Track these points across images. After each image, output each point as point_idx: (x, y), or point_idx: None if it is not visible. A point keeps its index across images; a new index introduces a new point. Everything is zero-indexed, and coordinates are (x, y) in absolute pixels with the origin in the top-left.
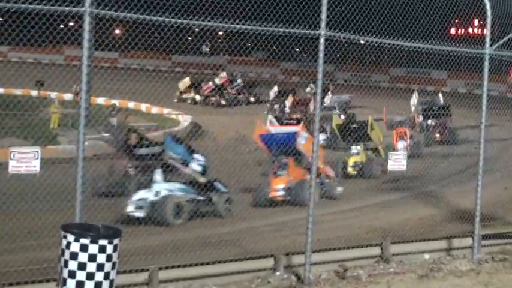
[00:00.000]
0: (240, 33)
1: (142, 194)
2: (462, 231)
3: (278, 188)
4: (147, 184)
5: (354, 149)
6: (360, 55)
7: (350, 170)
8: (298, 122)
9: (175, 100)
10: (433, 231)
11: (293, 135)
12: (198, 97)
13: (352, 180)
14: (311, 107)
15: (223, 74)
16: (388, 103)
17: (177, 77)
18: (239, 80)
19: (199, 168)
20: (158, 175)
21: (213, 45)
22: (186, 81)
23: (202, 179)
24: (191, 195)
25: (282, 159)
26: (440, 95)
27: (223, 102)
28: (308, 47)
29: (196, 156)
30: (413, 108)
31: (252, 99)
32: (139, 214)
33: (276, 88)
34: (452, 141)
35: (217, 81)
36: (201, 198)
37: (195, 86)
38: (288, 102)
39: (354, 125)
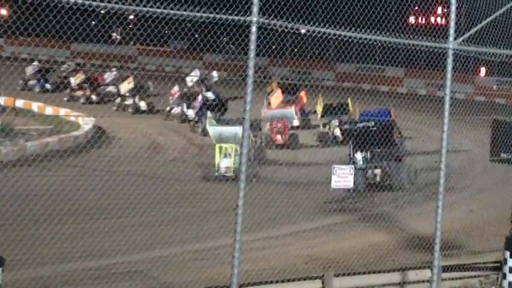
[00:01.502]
0: (154, 18)
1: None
2: (419, 261)
3: None
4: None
5: None
6: (300, 47)
7: None
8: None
9: None
10: (384, 261)
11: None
12: None
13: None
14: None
15: None
16: None
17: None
18: None
19: None
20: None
21: (120, 33)
22: None
23: None
24: None
25: None
26: (214, 72)
27: None
28: (237, 36)
29: None
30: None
31: None
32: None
33: (35, 63)
34: None
35: None
36: None
37: None
38: (76, 80)
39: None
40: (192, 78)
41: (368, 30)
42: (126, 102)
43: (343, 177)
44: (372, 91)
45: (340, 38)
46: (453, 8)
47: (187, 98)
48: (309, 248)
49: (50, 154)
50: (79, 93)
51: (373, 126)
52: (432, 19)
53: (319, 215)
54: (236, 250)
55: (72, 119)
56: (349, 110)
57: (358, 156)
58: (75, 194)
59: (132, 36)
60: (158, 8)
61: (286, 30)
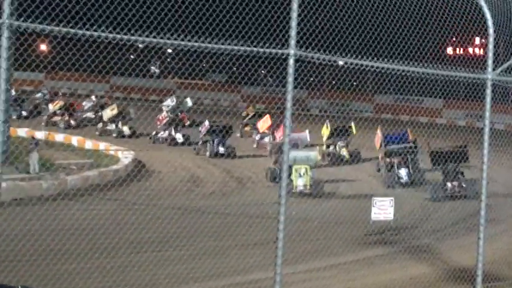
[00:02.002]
0: (192, 51)
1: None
2: None
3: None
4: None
5: None
6: (338, 79)
7: None
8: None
9: None
10: None
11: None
12: None
13: (329, 230)
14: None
15: None
16: None
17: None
18: None
19: None
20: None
21: (158, 66)
22: None
23: None
24: None
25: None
26: (188, 99)
27: None
28: (275, 69)
29: None
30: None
31: None
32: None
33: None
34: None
35: None
36: None
37: None
38: (54, 106)
39: None
40: (168, 104)
41: (406, 62)
42: (109, 128)
43: (383, 209)
44: (411, 122)
45: (378, 70)
46: (491, 38)
47: (177, 123)
48: (349, 281)
49: (91, 188)
50: (57, 118)
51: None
52: (470, 50)
53: (359, 247)
54: (277, 283)
55: (112, 152)
56: (352, 133)
57: (403, 172)
58: (116, 228)
59: (170, 69)
60: (196, 41)
61: (323, 63)
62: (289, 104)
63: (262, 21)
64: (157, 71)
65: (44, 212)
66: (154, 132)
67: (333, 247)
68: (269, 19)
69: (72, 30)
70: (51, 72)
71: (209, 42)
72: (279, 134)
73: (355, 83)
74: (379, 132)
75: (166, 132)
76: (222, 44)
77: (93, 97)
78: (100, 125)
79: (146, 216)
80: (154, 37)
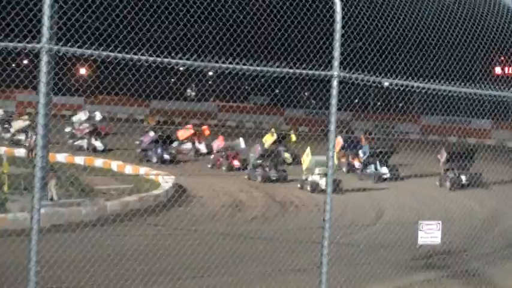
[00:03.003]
0: (234, 74)
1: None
2: None
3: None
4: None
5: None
6: (383, 101)
7: None
8: None
9: None
10: None
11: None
12: None
13: (375, 254)
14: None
15: None
16: None
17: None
18: None
19: None
20: None
21: (199, 89)
22: None
23: None
24: None
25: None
26: (97, 112)
27: None
28: (319, 91)
29: None
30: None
31: None
32: None
33: None
34: None
35: None
36: None
37: None
38: None
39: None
40: (80, 118)
41: (453, 82)
42: (18, 137)
43: (429, 233)
44: (459, 143)
45: (424, 91)
46: None
47: (98, 133)
48: None
49: (131, 213)
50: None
51: None
52: None
53: (406, 271)
54: None
55: (152, 177)
56: (291, 139)
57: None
58: (156, 254)
59: (211, 92)
60: (238, 64)
61: (368, 84)
62: (332, 127)
63: (305, 42)
64: (193, 93)
65: (83, 238)
66: (71, 141)
67: (378, 272)
68: (312, 41)
69: (112, 54)
70: (91, 96)
71: (251, 65)
72: (216, 144)
73: (400, 104)
74: (339, 139)
75: (85, 140)
76: (264, 66)
77: (0, 111)
78: (8, 135)
79: (187, 241)
80: (195, 60)
